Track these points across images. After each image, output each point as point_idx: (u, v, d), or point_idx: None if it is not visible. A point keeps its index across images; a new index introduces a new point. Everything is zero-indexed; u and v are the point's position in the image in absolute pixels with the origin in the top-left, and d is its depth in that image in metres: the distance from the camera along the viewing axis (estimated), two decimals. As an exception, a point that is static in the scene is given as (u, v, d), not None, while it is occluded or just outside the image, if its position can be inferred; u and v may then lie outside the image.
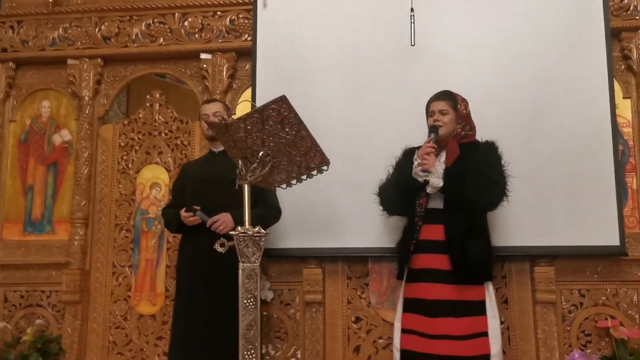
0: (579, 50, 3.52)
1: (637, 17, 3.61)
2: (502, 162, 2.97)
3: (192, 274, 3.14)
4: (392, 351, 3.21)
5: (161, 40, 3.95)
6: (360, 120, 3.63)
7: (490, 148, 3.00)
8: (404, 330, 2.95)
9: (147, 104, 4.00)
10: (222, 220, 3.04)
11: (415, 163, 2.95)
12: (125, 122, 4.01)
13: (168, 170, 3.89)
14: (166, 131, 3.94)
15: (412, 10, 3.00)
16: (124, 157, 3.95)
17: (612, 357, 3.35)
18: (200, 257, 3.08)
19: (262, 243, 2.46)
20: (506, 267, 3.52)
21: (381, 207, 3.18)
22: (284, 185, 2.60)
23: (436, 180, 2.84)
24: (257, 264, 2.44)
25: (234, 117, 3.59)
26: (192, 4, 3.94)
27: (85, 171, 3.89)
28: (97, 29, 3.99)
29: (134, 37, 3.96)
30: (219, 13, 3.92)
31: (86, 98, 3.98)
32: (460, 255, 2.83)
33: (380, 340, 3.59)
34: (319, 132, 2.53)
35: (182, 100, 4.53)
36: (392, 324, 3.42)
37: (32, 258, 3.92)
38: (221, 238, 2.55)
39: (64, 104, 4.08)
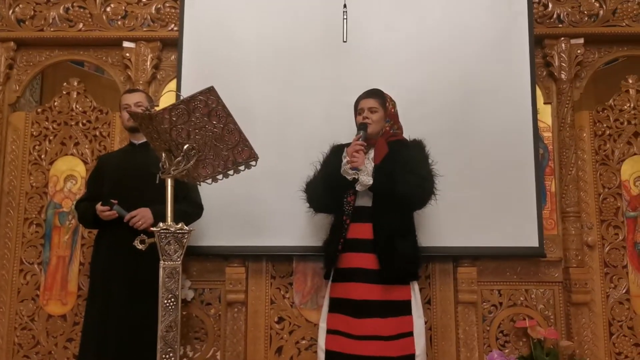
0: (504, 55, 3.60)
1: (560, 26, 3.72)
2: (430, 161, 2.98)
3: (107, 271, 2.99)
4: (315, 352, 3.17)
5: (80, 25, 3.75)
6: (287, 115, 3.57)
7: (418, 146, 3.01)
8: (329, 331, 2.91)
9: (64, 92, 3.78)
10: (141, 216, 2.92)
11: (344, 160, 2.91)
12: (39, 110, 3.77)
13: (85, 163, 3.68)
14: (84, 121, 3.73)
15: (344, 6, 2.96)
16: (37, 147, 3.71)
17: (530, 356, 3.43)
18: (117, 254, 2.96)
19: (184, 240, 2.37)
20: (430, 267, 3.54)
21: (308, 204, 3.12)
22: (209, 180, 2.51)
23: (366, 178, 2.82)
24: (179, 262, 2.35)
25: (157, 108, 3.46)
26: (115, -11, 3.76)
27: (-7, 161, 3.64)
28: (10, 11, 3.75)
29: (50, 20, 3.75)
30: (144, 0, 3.77)
31: (-4, 83, 3.73)
32: (388, 254, 2.81)
33: (303, 341, 3.53)
34: (245, 126, 2.44)
35: (101, 91, 4.32)
36: (316, 325, 3.40)
37: None
38: (141, 234, 2.45)
39: (-29, 88, 3.81)
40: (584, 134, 3.70)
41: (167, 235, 2.33)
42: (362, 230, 2.89)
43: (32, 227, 3.65)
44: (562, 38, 3.71)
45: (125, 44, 3.72)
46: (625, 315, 3.54)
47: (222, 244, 3.48)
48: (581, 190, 3.62)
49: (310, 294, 3.55)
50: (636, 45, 3.79)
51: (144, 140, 3.06)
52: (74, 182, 3.66)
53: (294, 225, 3.45)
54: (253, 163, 2.48)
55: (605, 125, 3.70)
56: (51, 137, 3.72)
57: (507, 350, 3.50)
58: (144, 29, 3.75)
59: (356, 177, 2.84)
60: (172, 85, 3.71)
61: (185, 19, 3.64)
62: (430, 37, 3.61)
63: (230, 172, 2.50)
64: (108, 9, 3.75)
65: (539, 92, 3.68)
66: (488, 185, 3.49)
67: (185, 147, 2.32)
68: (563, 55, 3.69)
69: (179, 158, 2.32)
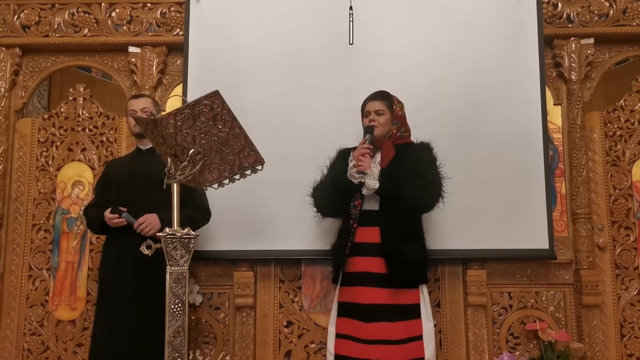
0: (513, 56, 3.56)
1: (570, 25, 3.68)
2: (438, 163, 2.96)
3: (116, 277, 2.99)
4: (324, 356, 3.16)
5: (86, 31, 3.73)
6: (294, 119, 3.54)
7: (425, 149, 2.99)
8: (338, 335, 2.90)
9: (70, 98, 3.77)
10: (149, 222, 2.91)
11: (351, 164, 2.90)
12: (46, 116, 3.76)
13: (92, 168, 3.68)
14: (91, 127, 3.72)
15: (350, 8, 2.94)
16: (44, 154, 3.70)
17: (540, 359, 3.40)
18: (126, 260, 2.96)
19: (191, 245, 2.36)
20: (439, 270, 3.52)
21: (315, 209, 3.11)
22: (215, 185, 2.50)
23: (372, 182, 2.80)
24: (186, 268, 2.34)
25: (164, 113, 3.44)
26: (120, -5, 3.75)
27: (0, 168, 3.63)
28: (15, 17, 3.73)
29: (55, 26, 3.73)
30: (149, 5, 3.74)
31: (2, 90, 3.71)
32: (396, 258, 2.80)
33: (312, 345, 3.51)
34: (252, 131, 2.43)
35: (108, 97, 4.33)
36: (325, 328, 3.39)
37: (-59, 260, 3.62)
38: (148, 240, 2.44)
39: (-22, 95, 3.80)
40: (595, 135, 3.66)
41: (174, 240, 2.32)
42: (369, 234, 2.87)
43: (40, 233, 3.64)
44: (572, 38, 3.67)
45: (131, 49, 3.71)
46: (637, 317, 3.51)
47: (230, 248, 3.47)
48: (592, 192, 3.59)
49: (319, 298, 3.53)
50: (647, 45, 3.74)
51: (151, 145, 3.06)
52: (82, 187, 3.66)
53: (302, 229, 3.43)
54: (259, 167, 2.47)
55: (616, 126, 3.65)
56: (58, 143, 3.71)
57: (517, 353, 3.48)
58: (150, 34, 3.73)
59: (362, 181, 2.82)
60: (178, 90, 3.69)
61: (190, 23, 3.62)
62: (438, 38, 3.57)
63: (237, 176, 2.48)
64: (113, 14, 3.73)
65: (548, 93, 3.64)
66: (497, 187, 3.46)
67: (190, 151, 2.31)
68: (573, 55, 3.65)
69: (185, 163, 2.31)
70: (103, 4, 3.73)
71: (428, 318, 2.90)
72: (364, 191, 2.84)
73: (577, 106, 3.62)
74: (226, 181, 2.49)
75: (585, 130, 3.62)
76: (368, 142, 2.86)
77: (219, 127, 2.31)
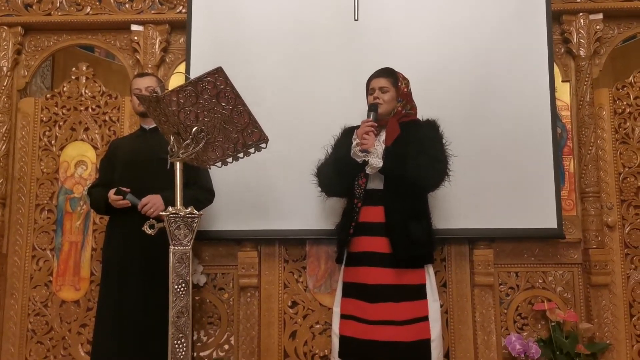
0: (520, 32, 3.51)
1: (578, 1, 3.61)
2: (444, 141, 2.90)
3: (120, 258, 2.97)
4: (329, 336, 3.13)
5: (88, 9, 3.70)
6: (299, 97, 3.50)
7: (432, 126, 2.93)
8: (343, 316, 2.86)
9: (73, 77, 3.74)
10: (152, 203, 2.89)
11: (354, 143, 2.86)
12: (48, 95, 3.74)
13: (95, 148, 3.65)
14: (93, 106, 3.70)
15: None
16: (47, 133, 3.68)
17: (549, 339, 3.36)
18: (130, 240, 2.94)
19: (194, 225, 2.33)
20: (446, 249, 3.48)
21: (319, 188, 3.06)
22: (219, 164, 2.46)
23: (375, 161, 2.75)
24: (189, 247, 2.31)
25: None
26: (123, -29, 3.71)
27: (3, 147, 3.62)
28: (17, -5, 3.71)
29: (58, 4, 3.70)
30: (151, -18, 3.71)
31: (4, 69, 3.69)
32: (400, 237, 2.75)
33: (317, 325, 3.49)
34: (256, 109, 2.38)
35: (112, 76, 4.30)
36: (330, 309, 3.36)
37: (-57, 240, 3.61)
38: (150, 219, 2.42)
39: (-20, 74, 3.78)
40: (604, 112, 3.60)
41: (177, 219, 2.30)
42: (373, 214, 2.83)
43: (43, 213, 3.63)
44: (581, 14, 3.61)
45: (134, 27, 3.67)
46: (647, 297, 3.46)
47: (234, 228, 3.44)
48: (601, 170, 3.53)
49: (324, 278, 3.50)
50: (657, 21, 3.67)
51: (155, 125, 3.01)
52: (85, 167, 3.64)
53: (307, 209, 3.40)
54: (263, 145, 2.43)
55: (625, 103, 3.59)
56: (61, 123, 3.69)
57: (525, 334, 3.44)
58: (152, 12, 3.70)
59: (366, 159, 2.77)
60: (182, 68, 3.67)
61: (193, 0, 3.57)
62: (444, 14, 3.52)
63: (241, 155, 2.44)
64: (116, -9, 3.71)
65: (556, 69, 3.59)
66: (505, 165, 3.41)
67: (193, 129, 2.27)
68: (581, 31, 3.59)
69: (188, 141, 2.28)
70: (105, -19, 3.70)
71: (434, 298, 2.85)
72: (368, 170, 2.80)
73: (585, 83, 3.56)
74: (230, 159, 2.45)
75: (594, 108, 3.57)
76: (372, 120, 2.82)
77: (223, 104, 2.27)
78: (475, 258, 3.42)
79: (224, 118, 2.30)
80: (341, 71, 3.49)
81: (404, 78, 2.98)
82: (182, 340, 2.27)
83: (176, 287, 2.28)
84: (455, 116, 3.35)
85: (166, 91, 2.27)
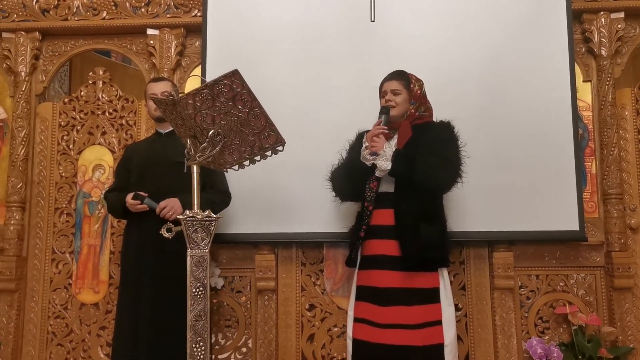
0: (540, 31, 3.45)
1: (599, -1, 3.54)
2: (458, 143, 2.85)
3: (138, 260, 2.98)
4: (346, 340, 3.10)
5: (104, 14, 3.71)
6: (314, 99, 3.48)
7: (445, 128, 2.88)
8: (356, 319, 2.85)
9: (90, 82, 3.76)
10: (170, 206, 2.89)
11: (364, 146, 2.83)
12: (66, 100, 3.76)
13: (112, 152, 3.67)
14: (110, 110, 3.72)
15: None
16: (65, 137, 3.71)
17: (571, 343, 3.32)
18: (147, 243, 2.94)
19: (212, 228, 2.33)
20: (464, 252, 3.44)
21: (333, 193, 3.05)
22: (235, 167, 2.45)
23: (384, 163, 2.73)
24: (207, 251, 2.31)
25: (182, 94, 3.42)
26: (138, -24, 3.71)
27: (22, 152, 3.64)
28: (34, 1, 3.72)
29: (74, 10, 3.72)
30: (166, -14, 3.72)
31: (22, 74, 3.72)
32: (410, 240, 2.72)
33: (335, 329, 3.47)
34: (271, 111, 2.37)
35: (128, 81, 4.32)
36: (347, 311, 3.32)
37: (-36, 243, 3.66)
38: (168, 222, 2.42)
39: (-1, 80, 3.83)
40: (626, 113, 3.54)
41: (194, 223, 2.30)
42: (385, 217, 2.81)
43: (62, 216, 3.66)
44: (602, 12, 3.54)
45: (149, 32, 3.68)
46: (671, 301, 3.39)
47: (251, 231, 3.43)
48: (623, 171, 3.47)
49: (341, 281, 3.49)
50: (679, 19, 3.59)
51: (170, 129, 3.04)
52: (102, 171, 3.66)
53: (324, 212, 3.37)
54: (280, 148, 2.41)
55: (648, 102, 3.52)
56: (79, 127, 3.71)
57: (546, 337, 3.39)
58: (168, 16, 3.70)
59: (375, 162, 2.75)
60: (197, 71, 3.66)
61: (209, 3, 3.57)
62: (461, 14, 3.47)
63: (257, 157, 2.43)
64: (131, -5, 3.72)
65: (577, 69, 3.52)
66: (525, 167, 3.36)
67: (210, 132, 2.26)
68: (603, 30, 3.52)
69: (204, 144, 2.27)
70: (121, -15, 3.71)
71: (448, 303, 2.82)
72: (377, 173, 2.78)
73: (607, 83, 3.50)
74: (246, 162, 2.44)
75: (616, 108, 3.50)
76: (383, 123, 2.79)
77: (239, 107, 2.26)
78: (495, 261, 3.37)
79: (240, 121, 2.29)
80: (357, 72, 3.46)
81: (417, 80, 2.94)
82: (201, 343, 2.28)
83: (194, 290, 2.28)
84: (474, 117, 3.32)
85: (182, 94, 2.27)
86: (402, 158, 2.73)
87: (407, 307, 2.70)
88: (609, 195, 3.43)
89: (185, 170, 2.36)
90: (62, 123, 3.72)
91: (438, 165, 2.72)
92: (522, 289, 3.45)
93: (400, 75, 2.91)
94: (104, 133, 3.70)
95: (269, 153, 2.42)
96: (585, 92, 3.57)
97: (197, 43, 3.70)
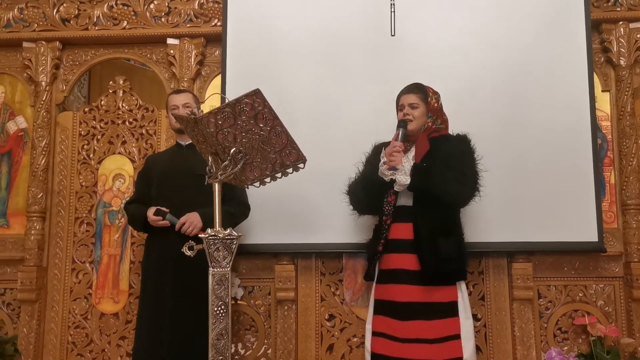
0: (559, 41, 3.45)
1: (618, 9, 3.56)
2: (474, 156, 2.86)
3: (159, 273, 2.99)
4: (365, 353, 3.11)
5: (125, 23, 3.73)
6: (334, 109, 3.49)
7: (462, 141, 2.89)
8: (374, 333, 2.85)
9: (110, 91, 3.78)
10: (190, 222, 2.91)
11: (382, 161, 2.84)
12: (86, 109, 3.77)
13: (132, 161, 3.68)
14: (130, 119, 3.73)
15: (392, -1, 2.85)
16: (85, 147, 3.72)
17: (590, 354, 3.32)
18: (168, 257, 2.94)
19: (233, 246, 2.35)
20: (484, 262, 3.45)
21: (351, 207, 3.06)
22: (257, 183, 2.48)
23: (403, 178, 2.73)
24: (229, 269, 2.32)
25: (203, 107, 3.43)
26: (159, -14, 3.73)
27: (43, 161, 3.66)
28: (55, 11, 3.74)
29: (95, 19, 3.74)
30: (187, -4, 3.73)
31: (43, 83, 3.73)
32: (429, 254, 2.72)
33: (355, 339, 3.48)
34: (291, 121, 2.41)
35: (147, 84, 4.32)
36: (366, 325, 3.34)
37: (-15, 253, 3.68)
38: (190, 240, 2.44)
39: (19, 89, 3.83)
40: (645, 122, 3.54)
41: (216, 241, 2.31)
42: (403, 231, 2.81)
43: (82, 226, 3.67)
44: (621, 22, 3.55)
45: (169, 41, 3.69)
46: (690, 312, 3.39)
47: (271, 241, 3.44)
48: (643, 182, 3.47)
49: (360, 291, 3.49)
50: (699, 28, 3.59)
51: (191, 141, 3.04)
52: (122, 180, 3.67)
53: (343, 222, 3.37)
54: (301, 165, 2.44)
55: (667, 113, 3.53)
56: (99, 136, 3.73)
57: (565, 348, 3.39)
58: (188, 25, 3.71)
59: (393, 177, 2.75)
60: (217, 81, 3.67)
61: (228, 13, 3.58)
62: (480, 25, 3.48)
63: (278, 175, 2.46)
64: (152, 5, 3.72)
65: (596, 79, 3.53)
66: (543, 177, 3.36)
67: (232, 150, 2.28)
68: (622, 40, 3.53)
69: (226, 162, 2.29)
70: (142, -5, 3.73)
71: (467, 316, 2.82)
72: (396, 187, 2.78)
73: (626, 93, 3.51)
74: (268, 179, 2.47)
75: (635, 118, 3.51)
76: (401, 136, 2.79)
77: (260, 125, 2.27)
78: (514, 272, 3.38)
79: (261, 139, 2.31)
80: (376, 83, 3.46)
81: (434, 93, 2.94)
82: (223, 362, 2.29)
83: (215, 309, 2.29)
84: (492, 127, 3.34)
85: (204, 113, 2.28)
86: (420, 172, 2.73)
87: (426, 321, 2.70)
88: (628, 205, 3.44)
89: (205, 183, 2.38)
90: (83, 132, 3.73)
91: (456, 180, 2.73)
92: (541, 299, 3.46)
93: (418, 89, 2.91)
94: (124, 142, 3.71)
95: (290, 170, 2.45)
96: (604, 102, 3.58)
97: (217, 52, 3.71)
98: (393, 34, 2.87)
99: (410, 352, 2.67)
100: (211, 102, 3.59)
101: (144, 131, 3.71)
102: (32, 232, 3.61)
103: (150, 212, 2.94)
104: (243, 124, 2.25)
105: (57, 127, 3.75)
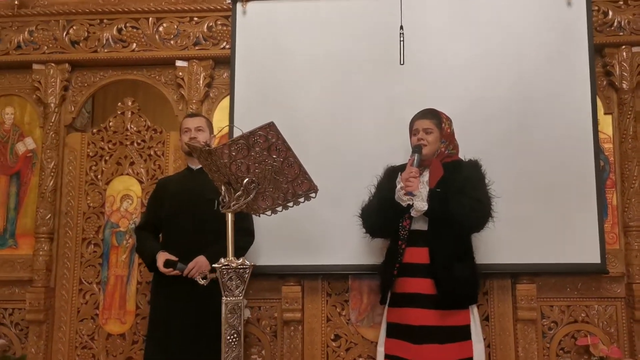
0: (562, 65, 3.50)
1: (621, 33, 3.60)
2: (487, 181, 2.92)
3: (169, 299, 3.01)
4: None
5: (134, 45, 3.76)
6: (342, 131, 3.53)
7: (474, 167, 2.95)
8: (387, 356, 2.89)
9: (119, 112, 3.81)
10: (198, 267, 2.93)
11: (398, 186, 2.86)
12: (95, 130, 3.81)
13: (140, 182, 3.71)
14: (139, 141, 3.76)
15: (401, 28, 2.88)
16: (93, 168, 3.74)
17: (592, 375, 3.35)
18: (177, 294, 2.98)
19: (246, 275, 2.39)
20: (488, 283, 3.48)
21: (364, 230, 3.09)
22: (268, 212, 2.52)
23: (421, 204, 2.77)
24: (241, 298, 2.37)
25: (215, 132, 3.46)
26: (168, 9, 3.76)
27: (51, 183, 3.69)
28: (64, 33, 3.78)
29: (104, 42, 3.77)
30: (195, 19, 3.76)
31: (52, 105, 3.77)
32: (445, 279, 2.77)
33: (360, 359, 3.50)
34: (299, 143, 2.47)
35: (151, 100, 4.33)
36: (372, 342, 3.42)
37: (-6, 274, 3.70)
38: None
39: (29, 110, 3.86)
40: (647, 146, 3.59)
41: (229, 271, 2.34)
42: (418, 255, 2.85)
43: (90, 246, 3.69)
44: (623, 46, 3.60)
45: (178, 63, 3.73)
46: (692, 333, 3.43)
47: (278, 263, 3.47)
48: (644, 204, 3.52)
49: (366, 312, 3.52)
50: (701, 52, 3.65)
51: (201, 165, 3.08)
52: (130, 201, 3.69)
53: (349, 244, 3.42)
54: (313, 195, 2.47)
55: (669, 136, 3.58)
56: (107, 158, 3.75)
57: (568, 369, 3.43)
58: (196, 48, 3.75)
59: (411, 203, 2.79)
60: (225, 102, 3.71)
61: (237, 36, 3.63)
62: (486, 50, 3.53)
63: (290, 204, 2.49)
64: (161, 28, 3.76)
65: (599, 102, 3.57)
66: (546, 199, 3.40)
67: (245, 181, 2.31)
68: (624, 64, 3.58)
69: (239, 192, 2.32)
70: (151, 18, 3.76)
71: (479, 339, 2.87)
72: (413, 213, 2.81)
73: (628, 116, 3.55)
74: (280, 208, 2.50)
75: (637, 141, 3.55)
76: (416, 161, 2.83)
77: (274, 156, 2.31)
78: (518, 293, 3.42)
79: (274, 169, 2.35)
80: (384, 106, 3.52)
81: (447, 118, 3.00)
82: (235, 390, 2.32)
83: (228, 337, 2.32)
84: (496, 150, 3.37)
85: (218, 145, 2.32)
86: (437, 199, 2.77)
87: (440, 345, 2.74)
88: (630, 227, 3.48)
89: (215, 208, 2.46)
90: (91, 153, 3.76)
91: (472, 207, 2.78)
92: (544, 320, 3.49)
93: (432, 114, 2.96)
94: (132, 163, 3.74)
95: (301, 199, 2.48)
96: (607, 125, 3.62)
97: (225, 74, 3.75)
98: (402, 62, 2.90)
99: None
100: (218, 123, 3.63)
101: (152, 152, 3.74)
102: (40, 252, 3.63)
103: (160, 261, 2.97)
104: (256, 155, 2.28)
105: (65, 148, 3.78)
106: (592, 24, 3.53)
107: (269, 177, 2.36)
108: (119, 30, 3.77)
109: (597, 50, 3.58)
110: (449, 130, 2.98)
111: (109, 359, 3.59)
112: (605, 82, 3.65)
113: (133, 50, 3.76)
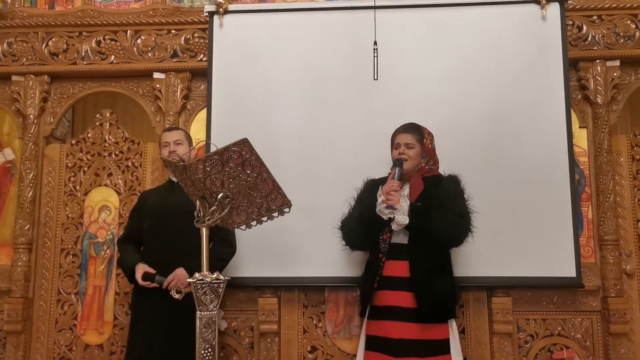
0: (537, 79, 3.53)
1: (595, 48, 3.63)
2: (466, 196, 2.94)
3: (150, 308, 3.02)
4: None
5: (112, 57, 3.78)
6: (318, 143, 3.56)
7: (454, 181, 2.97)
8: None
9: (97, 123, 3.83)
10: (177, 279, 2.94)
11: (379, 200, 2.88)
12: (73, 142, 3.82)
13: (118, 193, 3.73)
14: (117, 152, 3.78)
15: (375, 44, 2.90)
16: (72, 179, 3.76)
17: (567, 388, 3.37)
18: (160, 295, 2.96)
19: (220, 290, 2.40)
20: (464, 296, 3.49)
21: (344, 242, 3.10)
22: (243, 227, 2.54)
23: (402, 218, 2.79)
24: (215, 312, 2.38)
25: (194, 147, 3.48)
26: (146, 22, 3.78)
27: (30, 193, 3.70)
28: (44, 45, 3.80)
29: (83, 54, 3.79)
30: (173, 32, 3.78)
31: (31, 116, 3.78)
32: (425, 292, 2.78)
33: (337, 371, 3.52)
34: (274, 158, 2.53)
35: (130, 107, 4.33)
36: (349, 354, 3.43)
37: (-29, 284, 3.70)
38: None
39: (7, 121, 3.88)
40: (622, 159, 3.62)
41: (203, 285, 2.36)
42: (398, 268, 2.86)
43: (68, 257, 3.70)
44: (598, 61, 3.63)
45: (156, 75, 3.75)
46: (666, 346, 3.45)
47: (255, 275, 3.48)
48: (619, 217, 3.54)
49: (343, 323, 3.54)
50: (675, 67, 3.67)
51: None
52: (108, 212, 3.71)
53: (326, 256, 3.43)
54: (287, 210, 2.50)
55: (643, 149, 3.61)
56: (85, 168, 3.77)
57: (544, 381, 3.45)
58: (174, 60, 3.77)
59: (392, 216, 2.81)
60: (202, 114, 3.74)
61: (214, 49, 3.65)
62: (461, 64, 3.56)
63: (264, 218, 2.51)
64: (139, 40, 3.78)
65: (574, 116, 3.60)
66: (522, 212, 3.43)
67: (219, 195, 2.34)
68: (599, 78, 3.61)
69: (214, 207, 2.35)
70: (129, 31, 3.78)
71: (457, 353, 2.87)
72: (394, 226, 2.83)
73: (603, 129, 3.58)
74: (254, 223, 2.52)
75: (612, 154, 3.59)
76: (397, 175, 2.85)
77: (247, 172, 2.33)
78: (494, 306, 3.44)
79: (248, 184, 2.37)
80: (359, 119, 3.54)
81: (429, 134, 3.02)
82: (210, 404, 2.33)
83: (202, 352, 2.33)
84: (472, 163, 3.39)
85: (192, 160, 2.34)
86: (418, 213, 2.79)
87: (420, 358, 2.74)
88: (605, 241, 3.50)
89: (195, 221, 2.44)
90: (70, 164, 3.78)
91: (452, 221, 2.80)
92: (520, 333, 3.51)
93: (414, 129, 2.98)
94: (110, 174, 3.75)
95: (275, 214, 2.51)
96: (582, 138, 3.65)
97: (203, 86, 3.78)
98: (376, 78, 2.91)
99: None
100: (196, 135, 3.65)
101: (129, 163, 3.76)
102: (19, 263, 3.64)
103: (139, 274, 2.98)
104: (231, 170, 2.31)
105: (44, 159, 3.80)
106: (567, 38, 3.56)
107: (243, 192, 2.38)
108: (98, 43, 3.79)
109: (571, 64, 3.61)
110: (430, 146, 3.00)
111: (86, 370, 3.61)
112: (580, 96, 3.68)
113: (111, 63, 3.78)
